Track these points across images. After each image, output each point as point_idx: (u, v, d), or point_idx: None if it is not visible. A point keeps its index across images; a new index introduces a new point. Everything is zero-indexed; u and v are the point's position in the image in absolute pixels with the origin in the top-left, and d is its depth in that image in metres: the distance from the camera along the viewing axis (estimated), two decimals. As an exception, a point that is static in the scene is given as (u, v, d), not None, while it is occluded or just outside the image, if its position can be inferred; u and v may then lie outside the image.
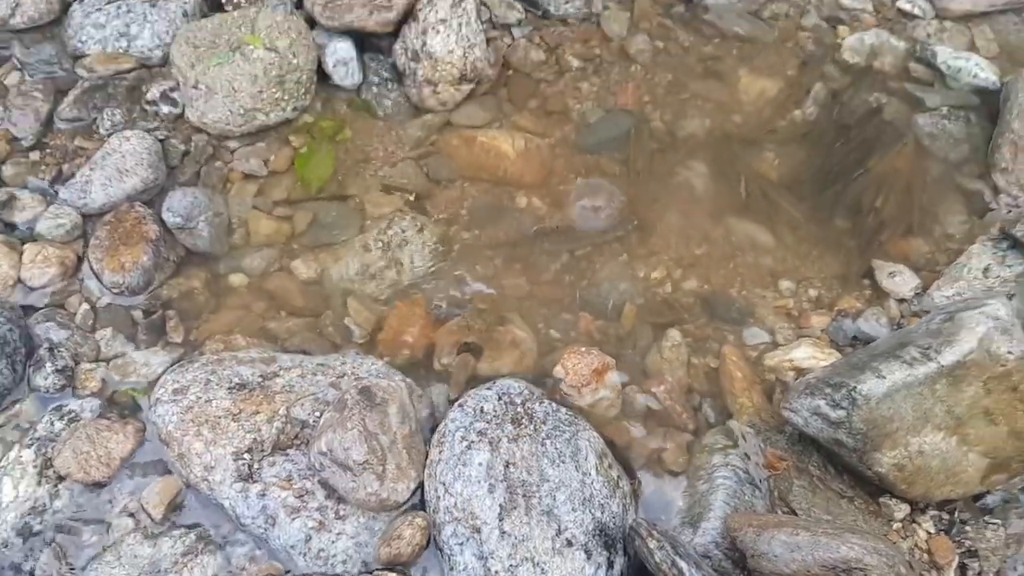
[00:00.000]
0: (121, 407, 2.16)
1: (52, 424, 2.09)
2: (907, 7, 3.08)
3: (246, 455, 1.98)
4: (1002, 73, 2.84)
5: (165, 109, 2.63)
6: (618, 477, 2.04)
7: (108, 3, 2.74)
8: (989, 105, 2.78)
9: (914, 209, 2.58)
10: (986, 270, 2.36)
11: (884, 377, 1.93)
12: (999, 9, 3.07)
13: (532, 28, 2.95)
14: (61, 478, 2.02)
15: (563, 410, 2.10)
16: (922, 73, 2.89)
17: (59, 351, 2.19)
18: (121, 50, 2.72)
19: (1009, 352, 1.94)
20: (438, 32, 2.66)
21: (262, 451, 2.00)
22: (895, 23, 3.04)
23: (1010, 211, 2.55)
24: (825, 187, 2.62)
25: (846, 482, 2.10)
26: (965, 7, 3.06)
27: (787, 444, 2.14)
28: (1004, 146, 2.64)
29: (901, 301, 2.40)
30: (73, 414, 2.11)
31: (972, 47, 2.98)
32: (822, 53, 2.92)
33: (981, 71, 2.84)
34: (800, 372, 2.23)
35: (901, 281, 2.42)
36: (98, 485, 2.03)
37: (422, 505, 1.98)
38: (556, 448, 1.99)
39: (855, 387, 1.94)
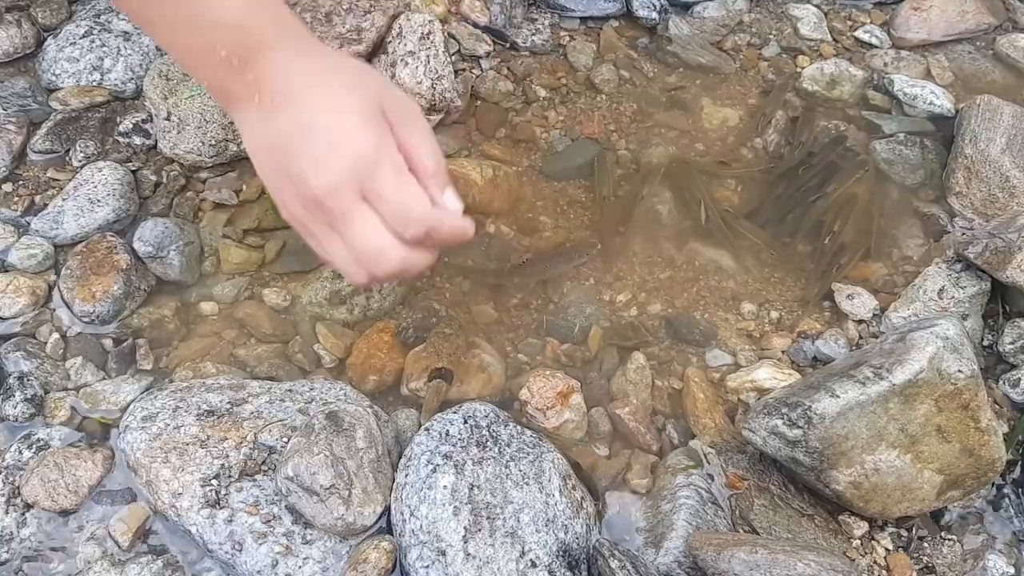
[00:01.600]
0: (90, 435, 2.17)
1: (20, 453, 2.10)
2: (865, 36, 3.17)
3: (213, 481, 2.00)
4: (957, 100, 2.94)
5: (138, 141, 2.67)
6: (582, 498, 2.07)
7: (82, 37, 2.79)
8: (944, 131, 2.87)
9: (872, 233, 2.65)
10: (941, 291, 2.42)
11: (838, 396, 1.97)
12: (954, 38, 3.18)
13: (500, 60, 3.01)
14: (29, 506, 2.03)
15: (528, 432, 2.13)
16: (880, 101, 2.98)
17: (29, 380, 2.20)
18: (95, 83, 2.76)
19: (959, 371, 1.99)
20: (407, 64, 2.72)
21: (230, 477, 2.01)
22: (853, 52, 3.13)
23: (964, 234, 2.62)
24: (786, 212, 2.69)
25: (806, 500, 2.14)
26: (921, 36, 3.16)
27: (749, 464, 2.17)
28: (958, 171, 2.72)
29: (860, 322, 2.46)
30: (42, 442, 2.12)
31: (928, 75, 3.07)
32: (783, 82, 3.00)
33: (937, 99, 2.93)
34: (762, 393, 2.28)
35: (860, 303, 2.47)
36: (66, 513, 2.03)
37: (389, 529, 2.00)
38: (520, 470, 2.02)
39: (810, 406, 1.98)
